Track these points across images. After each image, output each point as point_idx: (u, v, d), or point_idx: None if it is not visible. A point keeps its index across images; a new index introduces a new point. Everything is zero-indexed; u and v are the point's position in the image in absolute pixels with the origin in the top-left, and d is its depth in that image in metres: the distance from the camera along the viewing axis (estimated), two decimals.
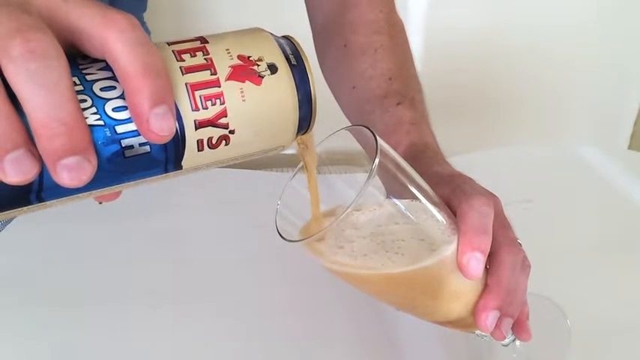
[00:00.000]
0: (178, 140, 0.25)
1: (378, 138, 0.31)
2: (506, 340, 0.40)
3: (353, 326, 0.50)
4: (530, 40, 1.24)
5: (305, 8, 0.61)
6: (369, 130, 0.32)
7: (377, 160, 0.30)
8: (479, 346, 0.46)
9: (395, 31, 0.55)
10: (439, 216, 0.34)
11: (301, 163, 0.34)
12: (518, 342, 0.41)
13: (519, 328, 0.39)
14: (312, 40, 0.60)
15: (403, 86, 0.51)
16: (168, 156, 0.25)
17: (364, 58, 0.53)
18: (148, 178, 0.26)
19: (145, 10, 0.74)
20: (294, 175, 0.35)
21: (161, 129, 0.23)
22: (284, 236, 0.32)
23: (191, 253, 0.60)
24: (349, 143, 0.36)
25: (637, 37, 1.28)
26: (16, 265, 0.58)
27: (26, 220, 0.64)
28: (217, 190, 0.69)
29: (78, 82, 0.23)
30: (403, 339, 0.48)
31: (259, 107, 0.26)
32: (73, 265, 0.58)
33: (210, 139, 0.25)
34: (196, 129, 0.25)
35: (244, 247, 0.60)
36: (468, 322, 0.37)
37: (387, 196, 0.32)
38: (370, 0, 0.56)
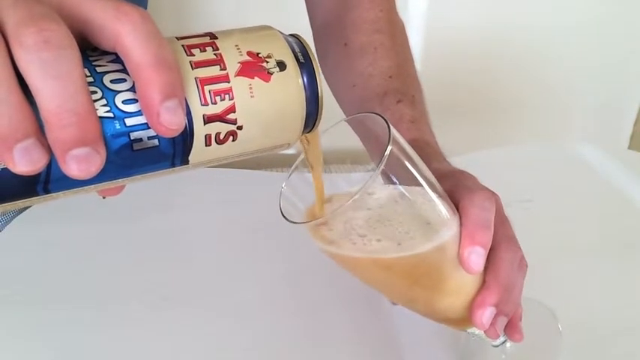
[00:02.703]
0: (187, 135, 0.25)
1: (390, 124, 0.31)
2: (497, 341, 0.40)
3: (353, 326, 0.50)
4: (531, 39, 1.24)
5: (305, 7, 0.61)
6: (381, 116, 0.32)
7: (390, 147, 0.30)
8: (468, 346, 0.46)
9: (395, 30, 0.56)
10: (442, 207, 0.34)
11: (301, 157, 0.34)
12: (508, 343, 0.41)
13: (512, 328, 0.39)
14: (312, 40, 0.60)
15: (403, 85, 0.51)
16: (176, 150, 0.25)
17: (364, 56, 0.53)
18: (154, 172, 0.26)
19: (145, 9, 0.74)
20: (298, 161, 0.35)
21: (171, 122, 0.23)
22: (288, 218, 0.32)
23: (191, 253, 0.60)
24: (346, 143, 0.36)
25: (637, 37, 1.28)
26: (16, 265, 0.58)
27: (26, 220, 0.64)
28: (217, 190, 0.69)
29: (88, 73, 0.23)
30: (400, 339, 0.48)
31: (267, 104, 0.26)
32: (73, 265, 0.58)
33: (218, 134, 0.25)
34: (205, 124, 0.25)
35: (244, 247, 0.60)
36: (462, 318, 0.37)
37: (393, 183, 0.32)
38: None
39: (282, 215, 0.32)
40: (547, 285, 0.44)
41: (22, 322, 0.51)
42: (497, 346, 0.41)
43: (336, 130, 0.34)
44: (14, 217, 0.65)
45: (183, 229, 0.63)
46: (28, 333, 0.50)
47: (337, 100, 0.57)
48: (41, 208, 0.66)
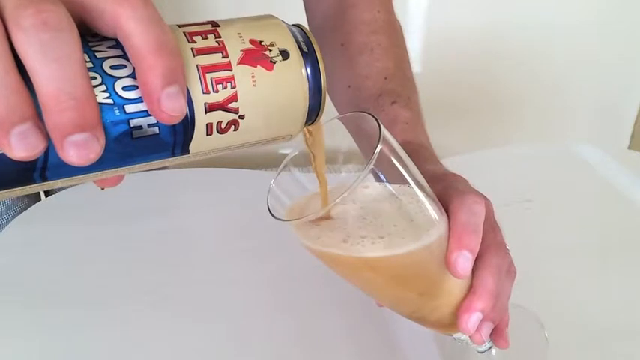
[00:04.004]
0: (187, 123, 0.24)
1: (380, 124, 0.31)
2: (483, 347, 0.40)
3: (352, 326, 0.50)
4: (531, 39, 1.24)
5: (303, 7, 0.61)
6: (372, 115, 0.32)
7: (379, 146, 0.30)
8: (454, 351, 0.46)
9: (393, 31, 0.55)
10: (430, 208, 0.33)
11: (291, 153, 0.34)
12: (494, 350, 0.40)
13: (498, 334, 0.39)
14: None
15: (399, 86, 0.51)
16: (176, 139, 0.24)
17: (361, 57, 0.53)
18: (154, 162, 0.25)
19: None
20: (287, 159, 0.35)
21: (172, 109, 0.22)
22: (275, 215, 0.32)
23: (191, 253, 0.60)
24: (339, 141, 0.36)
25: (637, 36, 1.28)
26: (16, 265, 0.58)
27: (26, 220, 0.64)
28: (216, 191, 0.69)
29: (88, 58, 0.22)
30: (388, 342, 0.48)
31: (270, 93, 0.26)
32: (73, 265, 0.58)
33: (219, 123, 0.25)
34: (206, 112, 0.24)
35: (244, 247, 0.59)
36: (448, 323, 0.37)
37: (381, 182, 0.31)
38: (368, 0, 0.56)
39: (270, 212, 0.32)
40: (543, 284, 0.43)
41: (22, 322, 0.51)
42: (482, 352, 0.40)
43: (329, 128, 0.34)
44: (14, 217, 0.65)
45: (183, 230, 0.63)
46: (28, 333, 0.50)
47: (332, 100, 0.56)
48: (41, 208, 0.66)
